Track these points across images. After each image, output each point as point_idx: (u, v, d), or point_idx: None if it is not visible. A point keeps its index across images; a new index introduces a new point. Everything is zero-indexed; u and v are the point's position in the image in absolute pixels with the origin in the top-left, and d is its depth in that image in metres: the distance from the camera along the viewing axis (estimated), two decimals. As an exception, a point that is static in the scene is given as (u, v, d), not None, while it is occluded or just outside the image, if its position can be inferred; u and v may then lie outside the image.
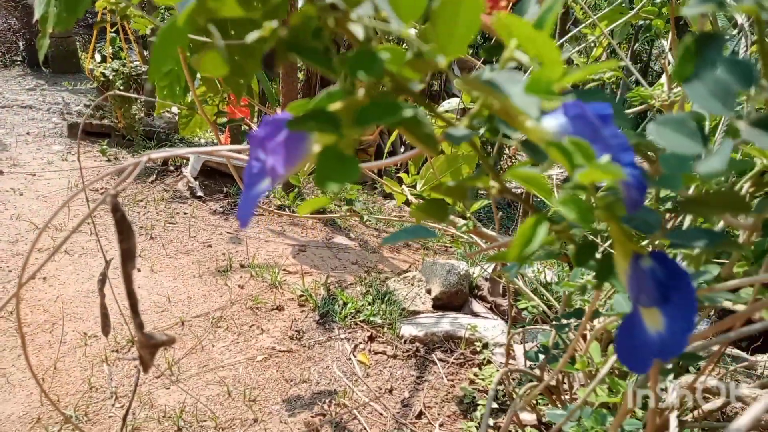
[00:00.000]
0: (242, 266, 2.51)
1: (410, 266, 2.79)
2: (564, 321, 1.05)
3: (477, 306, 2.27)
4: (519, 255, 0.32)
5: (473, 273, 2.44)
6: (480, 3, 0.25)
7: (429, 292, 2.32)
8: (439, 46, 0.28)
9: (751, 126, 0.26)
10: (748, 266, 0.71)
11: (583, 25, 1.14)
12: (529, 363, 1.24)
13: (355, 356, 1.92)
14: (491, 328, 2.00)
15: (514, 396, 1.35)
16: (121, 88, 3.66)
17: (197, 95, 1.32)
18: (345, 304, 2.20)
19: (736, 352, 1.92)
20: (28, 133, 4.15)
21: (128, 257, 0.53)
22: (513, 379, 1.73)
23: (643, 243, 0.63)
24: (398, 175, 2.19)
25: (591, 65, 0.27)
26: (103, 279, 0.87)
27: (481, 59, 2.35)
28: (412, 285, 2.39)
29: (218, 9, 0.27)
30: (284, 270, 2.51)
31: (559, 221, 0.37)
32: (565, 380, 1.24)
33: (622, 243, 0.32)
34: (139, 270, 2.37)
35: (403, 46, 0.32)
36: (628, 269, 0.32)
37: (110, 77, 3.79)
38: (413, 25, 0.30)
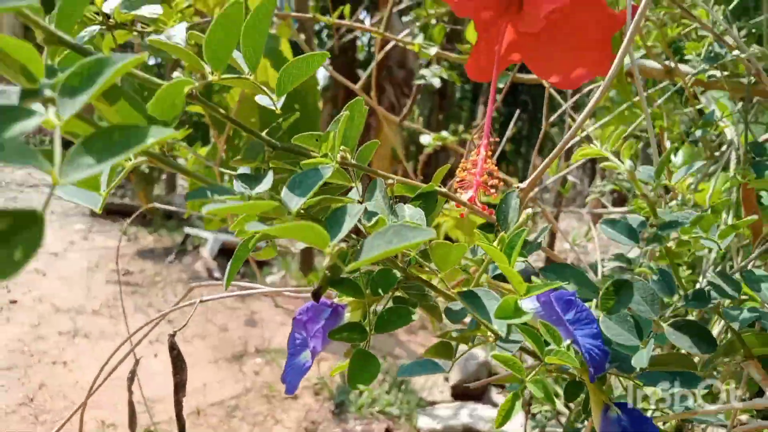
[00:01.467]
0: (258, 351, 2.52)
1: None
2: (578, 425, 1.06)
3: (497, 395, 2.24)
4: (501, 425, 0.37)
5: (492, 361, 2.42)
6: (463, 249, 0.32)
7: (447, 379, 2.30)
8: (437, 264, 0.34)
9: (672, 328, 0.34)
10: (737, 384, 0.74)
11: (577, 139, 1.18)
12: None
13: (371, 450, 1.88)
14: (512, 420, 1.97)
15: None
16: (147, 171, 3.80)
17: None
18: (361, 393, 2.18)
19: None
20: (52, 212, 4.28)
21: (180, 388, 0.57)
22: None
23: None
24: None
25: (546, 284, 0.33)
26: (132, 377, 0.90)
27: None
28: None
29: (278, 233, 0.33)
30: (300, 355, 2.51)
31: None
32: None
33: (595, 394, 0.37)
34: (156, 356, 2.39)
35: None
36: (599, 416, 0.37)
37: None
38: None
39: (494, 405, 2.15)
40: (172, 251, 3.66)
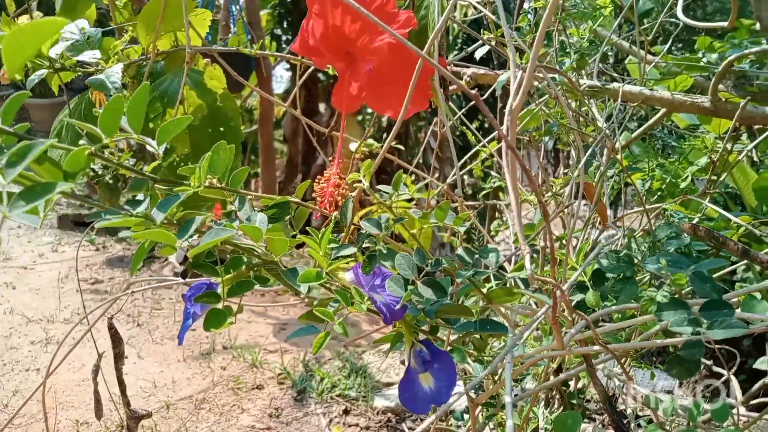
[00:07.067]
0: (225, 348, 2.65)
1: (386, 339, 2.94)
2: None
3: (446, 375, 2.42)
4: (316, 352, 0.53)
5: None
6: (285, 243, 0.47)
7: (403, 363, 2.48)
8: (271, 252, 0.50)
9: (422, 284, 0.50)
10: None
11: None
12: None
13: (330, 430, 2.05)
14: (457, 394, 2.15)
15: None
16: (111, 181, 3.89)
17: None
18: (322, 379, 2.34)
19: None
20: (19, 226, 4.33)
21: (119, 358, 0.73)
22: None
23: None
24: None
25: (342, 259, 0.48)
26: (96, 370, 1.05)
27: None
28: (386, 357, 2.54)
29: (141, 237, 0.48)
30: (265, 349, 2.66)
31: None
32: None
33: (406, 334, 0.53)
34: (126, 357, 2.51)
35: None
36: (409, 350, 0.53)
37: (99, 171, 4.02)
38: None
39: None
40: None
